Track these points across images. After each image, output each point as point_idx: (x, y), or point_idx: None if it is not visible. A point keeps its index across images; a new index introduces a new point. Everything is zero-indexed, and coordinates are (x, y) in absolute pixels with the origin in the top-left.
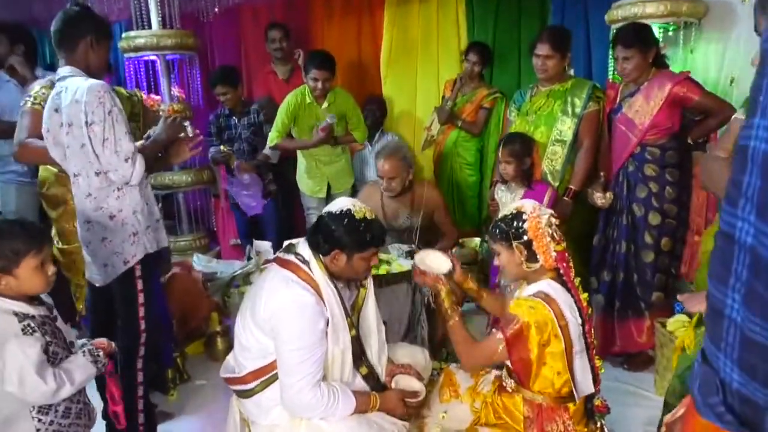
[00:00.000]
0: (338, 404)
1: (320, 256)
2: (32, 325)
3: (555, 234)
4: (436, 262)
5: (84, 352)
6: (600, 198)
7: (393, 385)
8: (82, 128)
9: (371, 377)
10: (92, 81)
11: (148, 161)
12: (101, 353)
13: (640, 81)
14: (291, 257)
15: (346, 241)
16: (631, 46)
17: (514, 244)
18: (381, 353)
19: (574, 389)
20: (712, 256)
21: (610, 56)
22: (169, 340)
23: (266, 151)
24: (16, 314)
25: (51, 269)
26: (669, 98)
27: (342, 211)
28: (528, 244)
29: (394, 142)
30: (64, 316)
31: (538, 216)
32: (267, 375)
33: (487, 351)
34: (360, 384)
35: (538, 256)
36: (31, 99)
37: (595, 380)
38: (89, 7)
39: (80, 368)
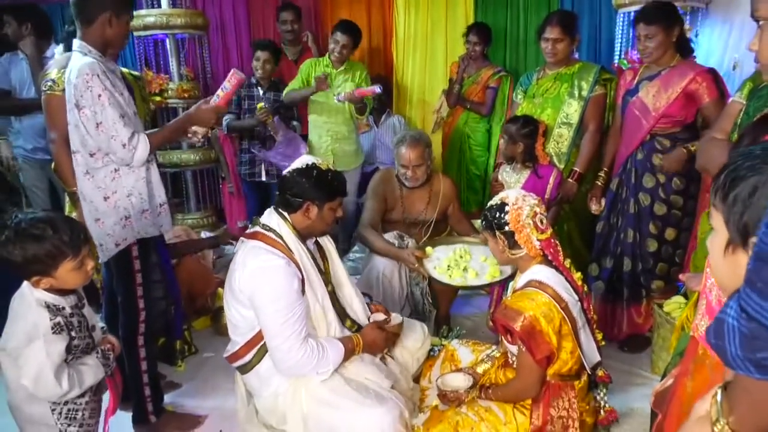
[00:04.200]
0: (328, 354)
1: (288, 217)
2: (61, 323)
3: (539, 223)
4: (456, 381)
5: (98, 352)
6: (595, 205)
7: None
8: (72, 107)
9: (359, 331)
10: (84, 61)
11: (161, 138)
12: (112, 355)
13: (662, 63)
14: (257, 228)
15: (316, 192)
16: (653, 23)
17: (497, 233)
18: (365, 312)
19: (583, 360)
20: None
21: (617, 41)
22: (179, 313)
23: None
24: (48, 307)
25: (90, 264)
26: (685, 89)
27: (308, 165)
28: (510, 235)
29: (414, 130)
30: (87, 297)
31: (519, 207)
32: (259, 344)
33: (525, 373)
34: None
35: (520, 245)
36: (52, 83)
37: (598, 351)
38: None
39: (91, 371)
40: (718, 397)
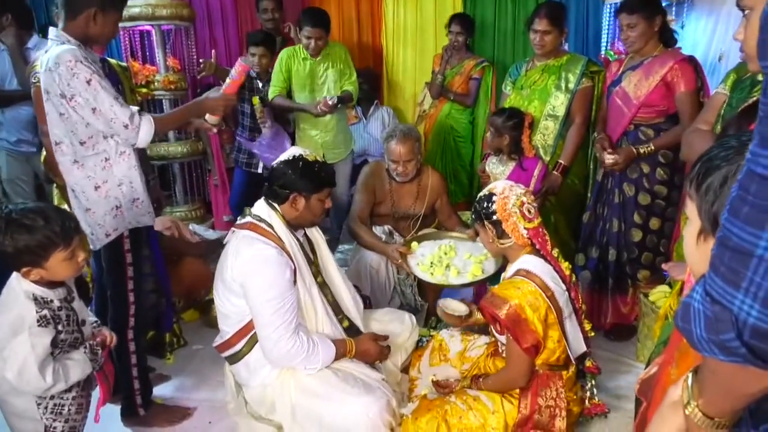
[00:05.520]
0: (318, 350)
1: (278, 208)
2: (48, 316)
3: (527, 212)
4: (453, 306)
5: (86, 347)
6: (610, 157)
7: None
8: (57, 97)
9: (353, 329)
10: (63, 48)
11: (169, 121)
12: (100, 351)
13: (645, 53)
14: (247, 219)
15: (303, 183)
16: (635, 12)
17: (485, 223)
18: (356, 304)
19: (568, 350)
20: (740, 199)
21: (604, 32)
22: (168, 305)
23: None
24: (36, 300)
25: (81, 256)
26: (664, 78)
27: (294, 156)
28: (497, 224)
29: (403, 125)
30: (77, 291)
31: (506, 197)
32: (250, 333)
33: (514, 362)
34: (342, 336)
35: (508, 234)
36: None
37: (586, 342)
38: None
39: (78, 366)
40: (689, 381)
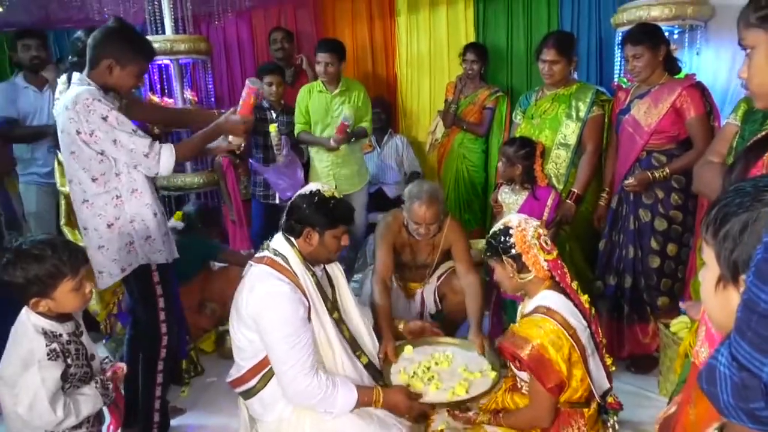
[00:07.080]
0: (337, 393)
1: (294, 242)
2: (57, 350)
3: (544, 244)
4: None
5: (97, 381)
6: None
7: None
8: (70, 136)
9: (371, 366)
10: (82, 88)
11: (190, 147)
12: (111, 386)
13: (651, 82)
14: (265, 253)
15: (316, 218)
16: (640, 44)
17: (504, 258)
18: (372, 340)
19: (592, 387)
20: (767, 263)
21: (616, 59)
22: (182, 332)
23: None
24: (45, 333)
25: (88, 287)
26: (674, 104)
27: (311, 191)
28: (517, 257)
29: (429, 185)
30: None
31: (524, 229)
32: (265, 369)
33: (538, 401)
34: (365, 377)
35: (529, 268)
36: None
37: (608, 377)
38: (124, 28)
39: (90, 401)
40: None
